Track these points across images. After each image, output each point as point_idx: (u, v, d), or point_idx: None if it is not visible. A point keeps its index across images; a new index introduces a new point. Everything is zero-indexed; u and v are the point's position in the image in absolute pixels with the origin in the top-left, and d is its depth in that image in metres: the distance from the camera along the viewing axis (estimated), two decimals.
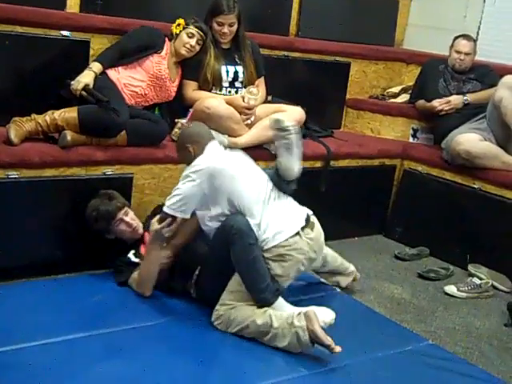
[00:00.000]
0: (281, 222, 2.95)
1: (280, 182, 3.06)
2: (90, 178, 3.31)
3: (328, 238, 4.20)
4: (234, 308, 2.86)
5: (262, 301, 2.85)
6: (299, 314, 2.76)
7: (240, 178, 2.97)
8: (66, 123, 3.29)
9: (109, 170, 3.37)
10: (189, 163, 2.99)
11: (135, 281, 3.11)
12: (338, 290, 3.50)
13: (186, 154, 3.05)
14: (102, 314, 2.95)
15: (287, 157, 3.01)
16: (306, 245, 2.95)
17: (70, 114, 3.31)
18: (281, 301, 2.90)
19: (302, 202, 4.07)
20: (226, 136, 3.68)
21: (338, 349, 2.67)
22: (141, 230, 3.27)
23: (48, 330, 2.71)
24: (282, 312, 2.83)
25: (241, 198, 2.92)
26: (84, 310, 2.95)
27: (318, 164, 4.18)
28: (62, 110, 3.33)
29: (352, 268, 3.55)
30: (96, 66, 3.49)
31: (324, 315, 2.82)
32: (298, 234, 2.94)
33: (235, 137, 3.72)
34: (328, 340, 2.68)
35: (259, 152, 3.83)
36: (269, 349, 2.80)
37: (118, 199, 3.24)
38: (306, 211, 3.08)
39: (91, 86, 3.39)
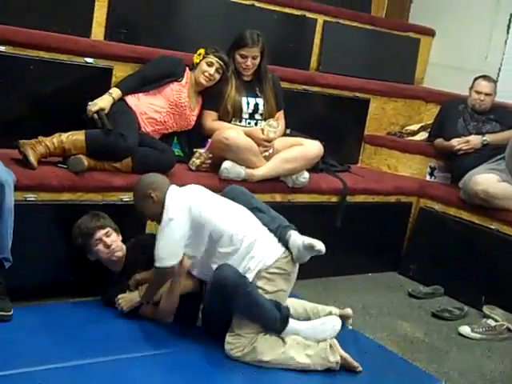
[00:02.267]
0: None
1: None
2: (106, 204, 3.31)
3: (342, 272, 4.24)
4: (254, 341, 2.86)
5: (277, 331, 2.91)
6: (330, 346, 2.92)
7: (216, 206, 3.02)
8: (74, 146, 3.28)
9: (126, 197, 3.37)
10: (154, 213, 2.99)
11: (153, 312, 3.10)
12: (350, 327, 3.46)
13: (150, 202, 3.00)
14: (111, 340, 2.92)
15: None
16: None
17: (77, 136, 3.31)
18: (291, 324, 2.94)
19: (316, 237, 4.05)
20: (244, 167, 3.70)
21: (360, 368, 2.93)
22: (118, 254, 3.16)
23: (55, 354, 2.69)
24: (311, 344, 2.91)
25: (223, 228, 2.94)
26: (92, 335, 2.93)
27: (334, 199, 4.17)
28: (70, 132, 3.32)
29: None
30: (116, 92, 3.53)
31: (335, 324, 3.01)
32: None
33: (253, 168, 3.73)
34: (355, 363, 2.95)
35: (276, 184, 3.87)
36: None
37: (104, 220, 3.17)
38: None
39: (107, 110, 3.42)
